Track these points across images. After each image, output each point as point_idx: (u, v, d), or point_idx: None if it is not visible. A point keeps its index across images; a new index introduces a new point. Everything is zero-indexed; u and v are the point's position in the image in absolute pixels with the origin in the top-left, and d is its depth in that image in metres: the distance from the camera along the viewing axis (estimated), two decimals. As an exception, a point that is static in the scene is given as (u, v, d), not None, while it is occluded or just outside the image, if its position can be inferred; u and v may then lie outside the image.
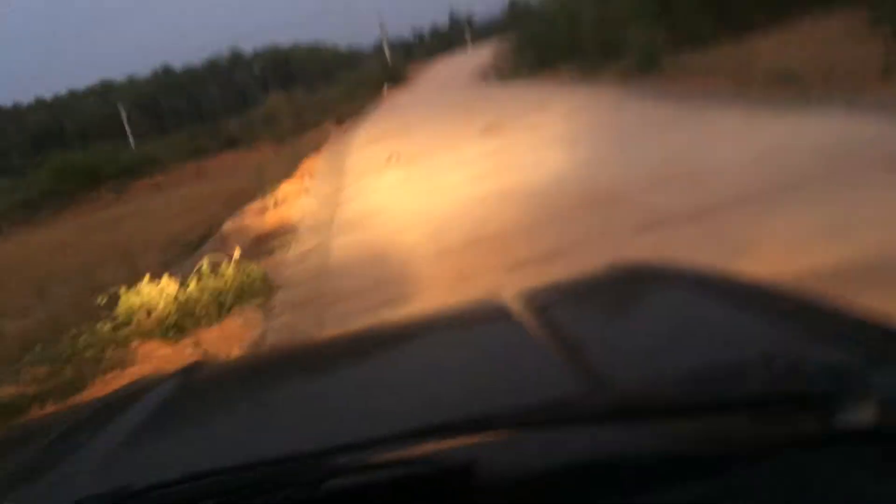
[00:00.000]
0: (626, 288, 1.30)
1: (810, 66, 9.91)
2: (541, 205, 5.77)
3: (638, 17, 21.65)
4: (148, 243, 15.50)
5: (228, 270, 5.24)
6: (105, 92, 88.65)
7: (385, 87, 38.17)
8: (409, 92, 30.73)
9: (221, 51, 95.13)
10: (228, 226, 10.45)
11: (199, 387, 1.21)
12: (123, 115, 54.85)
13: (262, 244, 8.18)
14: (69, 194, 39.96)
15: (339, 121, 32.43)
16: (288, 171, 16.43)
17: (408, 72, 43.61)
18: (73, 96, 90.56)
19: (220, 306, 4.88)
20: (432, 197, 7.40)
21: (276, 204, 10.84)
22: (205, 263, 5.30)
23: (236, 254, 5.50)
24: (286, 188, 12.36)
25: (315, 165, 14.82)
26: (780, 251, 3.49)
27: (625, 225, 4.62)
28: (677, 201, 4.83)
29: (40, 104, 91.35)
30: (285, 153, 29.70)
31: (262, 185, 15.41)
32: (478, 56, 38.64)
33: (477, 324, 1.31)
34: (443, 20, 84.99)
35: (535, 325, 1.08)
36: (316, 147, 20.91)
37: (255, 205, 12.04)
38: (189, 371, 1.28)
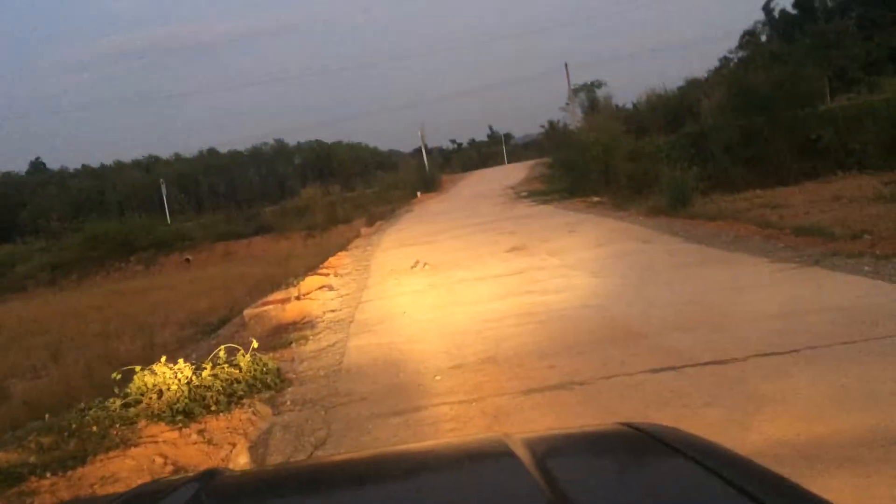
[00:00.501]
0: (627, 449, 1.34)
1: (836, 223, 10.11)
2: (560, 331, 5.80)
3: (673, 157, 22.34)
4: (168, 318, 15.65)
5: (244, 360, 5.28)
6: (150, 165, 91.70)
7: (418, 194, 39.06)
8: (442, 200, 31.41)
9: (267, 140, 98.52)
10: (249, 312, 10.54)
11: (214, 497, 1.23)
12: (164, 189, 56.39)
13: (280, 335, 8.23)
14: (99, 261, 40.76)
15: (371, 220, 33.10)
16: (315, 263, 16.71)
17: (442, 181, 44.69)
18: (119, 166, 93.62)
19: (231, 396, 4.88)
20: (453, 309, 7.46)
21: (298, 296, 10.97)
22: (221, 350, 5.35)
23: (254, 344, 5.55)
24: (311, 281, 12.51)
25: (342, 261, 15.04)
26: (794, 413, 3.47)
27: (641, 364, 4.62)
28: (696, 345, 4.84)
29: (86, 171, 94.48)
30: (314, 245, 30.29)
31: (287, 274, 15.66)
32: (512, 172, 39.64)
33: (480, 460, 1.35)
34: (482, 134, 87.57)
35: (537, 471, 1.12)
36: (345, 243, 21.27)
37: (279, 294, 12.18)
38: (204, 478, 1.31)
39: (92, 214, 58.63)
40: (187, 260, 40.95)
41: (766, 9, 65.52)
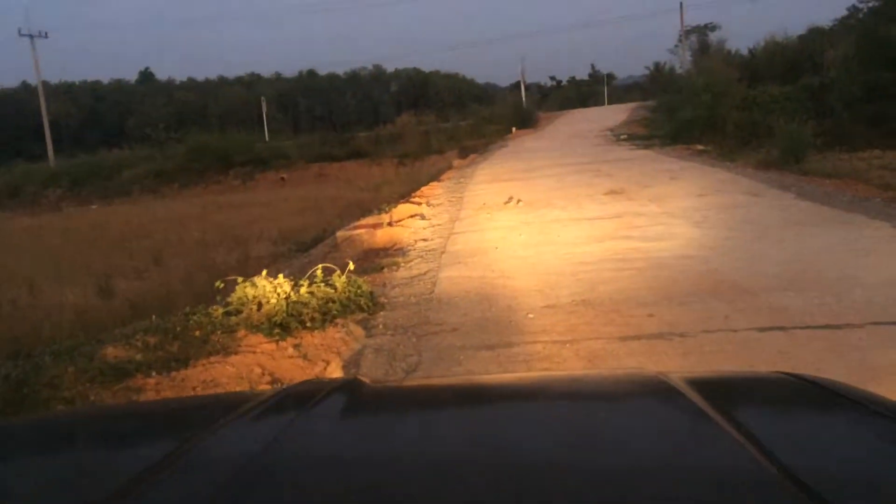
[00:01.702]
0: (808, 399, 1.23)
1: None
2: (660, 279, 5.60)
3: (789, 109, 21.07)
4: (263, 233, 16.12)
5: (339, 281, 5.35)
6: (252, 83, 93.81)
7: (514, 129, 38.49)
8: (538, 138, 30.83)
9: (365, 65, 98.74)
10: (341, 234, 10.71)
11: (362, 406, 1.24)
12: (264, 107, 57.53)
13: (372, 259, 8.34)
14: (200, 173, 42.32)
15: (464, 153, 32.94)
16: (406, 191, 16.82)
17: (538, 118, 43.82)
18: (222, 81, 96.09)
19: (326, 314, 4.97)
20: (547, 248, 7.34)
21: (390, 222, 11.05)
22: (319, 269, 5.43)
23: (350, 266, 5.61)
24: (402, 209, 12.58)
25: (434, 191, 15.04)
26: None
27: (747, 321, 4.42)
28: (808, 307, 4.58)
29: (191, 83, 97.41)
30: (406, 173, 30.49)
31: (379, 200, 15.82)
32: (612, 114, 38.44)
33: (645, 396, 1.23)
34: (583, 72, 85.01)
35: (710, 409, 1.02)
36: (437, 174, 21.27)
37: (371, 218, 12.32)
38: (349, 387, 1.34)
39: (194, 127, 60.64)
40: (282, 178, 41.99)
41: (908, -47, 60.03)
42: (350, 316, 5.14)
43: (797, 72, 34.24)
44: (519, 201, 11.08)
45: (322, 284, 5.24)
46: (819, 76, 27.98)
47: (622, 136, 24.84)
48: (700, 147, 18.00)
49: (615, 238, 7.48)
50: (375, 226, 11.02)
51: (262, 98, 61.40)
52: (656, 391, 1.21)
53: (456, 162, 26.04)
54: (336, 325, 4.94)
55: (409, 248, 8.59)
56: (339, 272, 5.43)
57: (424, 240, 8.98)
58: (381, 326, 5.05)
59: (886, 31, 23.17)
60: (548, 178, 14.09)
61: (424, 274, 6.75)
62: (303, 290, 5.02)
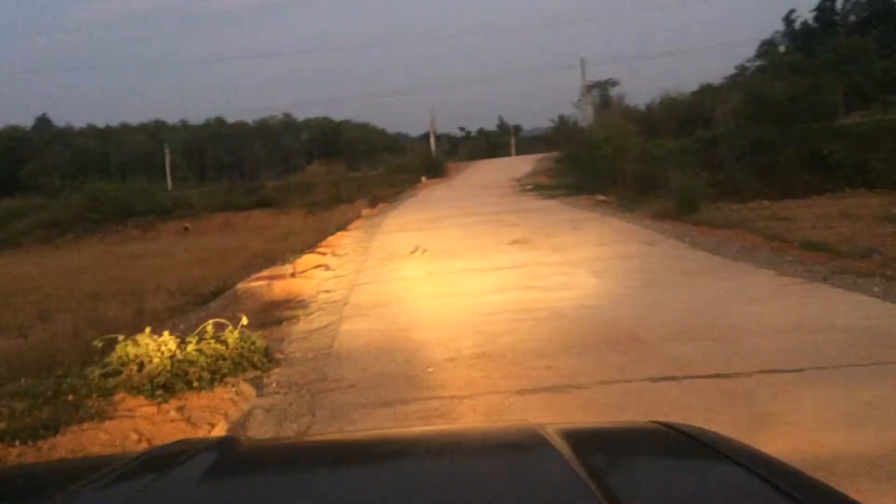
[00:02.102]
0: (667, 447, 1.29)
1: (844, 240, 9.94)
2: (559, 330, 5.63)
3: (684, 161, 22.14)
4: (161, 285, 15.46)
5: (231, 337, 5.11)
6: (156, 130, 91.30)
7: (423, 179, 38.83)
8: (447, 188, 31.19)
9: (275, 113, 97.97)
10: (242, 286, 10.37)
11: (233, 466, 1.22)
12: (167, 155, 56.03)
13: (272, 312, 8.07)
14: (97, 222, 40.59)
15: (374, 202, 32.92)
16: (313, 241, 16.59)
17: (448, 168, 44.41)
18: (125, 129, 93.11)
19: (215, 373, 4.71)
20: (450, 299, 7.29)
21: (294, 273, 10.80)
22: (209, 325, 5.17)
23: (243, 321, 5.37)
24: (307, 259, 12.35)
25: (340, 241, 14.87)
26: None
27: (641, 371, 4.45)
28: (699, 356, 4.67)
29: (91, 130, 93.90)
30: (315, 223, 30.13)
31: (285, 250, 15.49)
32: (519, 165, 39.40)
33: (515, 448, 1.28)
34: (491, 124, 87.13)
35: (578, 465, 1.05)
36: (345, 223, 21.10)
37: (274, 270, 12.02)
38: (223, 445, 1.31)
39: (93, 175, 58.39)
40: (186, 228, 40.81)
41: (787, 20, 65.13)
42: (242, 374, 4.90)
43: (691, 126, 36.24)
44: (425, 251, 11.06)
45: (212, 341, 4.98)
46: (711, 130, 29.68)
47: (528, 187, 25.43)
48: (602, 197, 18.59)
49: (518, 288, 7.52)
50: (278, 277, 10.74)
51: (165, 146, 59.75)
52: (529, 445, 1.25)
53: (365, 211, 25.95)
54: (226, 384, 4.69)
55: (312, 300, 8.38)
56: (231, 327, 5.18)
57: (327, 291, 8.79)
58: (274, 385, 4.82)
59: (772, 88, 24.90)
60: (455, 228, 14.18)
61: (325, 327, 6.57)
62: (190, 347, 4.75)
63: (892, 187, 19.31)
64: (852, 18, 64.53)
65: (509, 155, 60.83)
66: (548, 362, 4.78)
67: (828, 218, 14.50)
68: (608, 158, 20.96)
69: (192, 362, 4.69)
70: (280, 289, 9.80)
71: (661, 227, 11.63)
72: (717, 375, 4.25)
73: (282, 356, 5.53)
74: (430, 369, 4.87)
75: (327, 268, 10.85)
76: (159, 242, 34.30)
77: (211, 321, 5.23)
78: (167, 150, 58.63)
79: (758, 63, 64.01)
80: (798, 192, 20.67)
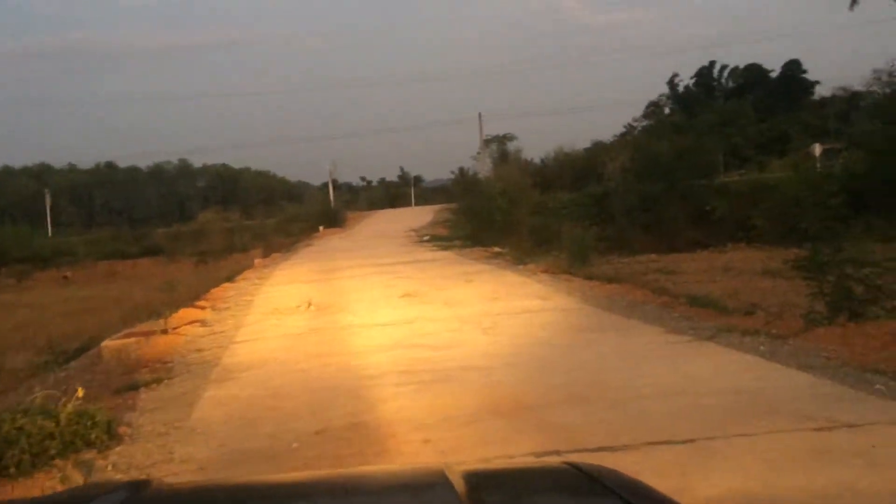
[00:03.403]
0: (568, 489, 1.33)
1: (728, 294, 10.13)
2: (443, 395, 5.23)
3: (575, 215, 22.58)
4: (27, 341, 14.27)
5: (65, 411, 4.42)
6: (41, 174, 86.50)
7: (321, 228, 38.17)
8: (344, 237, 30.67)
9: (170, 159, 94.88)
10: (108, 343, 9.48)
11: None
12: (48, 200, 52.92)
13: (132, 374, 7.33)
14: (-34, 271, 37.59)
15: (268, 251, 31.99)
16: (197, 293, 15.72)
17: (347, 217, 43.91)
18: (7, 172, 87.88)
19: (39, 455, 4.03)
20: (332, 359, 6.79)
21: (165, 329, 9.99)
22: (39, 398, 4.47)
23: (78, 393, 4.68)
24: (184, 314, 11.54)
25: (225, 293, 14.06)
26: None
27: (525, 443, 4.11)
28: (586, 424, 4.38)
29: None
30: (204, 272, 28.92)
31: (168, 302, 14.58)
32: (418, 215, 39.40)
33: (415, 490, 1.35)
34: (393, 174, 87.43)
35: (469, 502, 1.14)
36: (234, 274, 20.21)
37: (146, 325, 11.18)
38: (135, 488, 1.32)
39: None
40: (65, 277, 38.45)
41: (671, 83, 69.22)
42: (74, 455, 4.23)
43: (583, 181, 37.34)
44: (311, 305, 10.50)
45: (39, 417, 4.29)
46: (602, 185, 30.58)
47: (425, 238, 25.25)
48: (497, 249, 18.56)
49: (405, 346, 7.11)
50: (149, 334, 9.91)
51: (46, 190, 56.46)
52: (429, 486, 1.34)
53: (257, 261, 25.03)
54: (52, 468, 4.01)
55: (181, 360, 7.66)
56: (64, 399, 4.51)
57: (199, 350, 8.08)
58: (110, 468, 4.17)
59: (658, 146, 25.95)
60: (347, 280, 13.68)
61: (186, 394, 5.92)
62: (6, 427, 4.05)
63: (771, 243, 20.26)
64: (730, 84, 69.30)
65: (410, 205, 60.99)
66: (427, 434, 4.36)
67: (712, 272, 14.94)
68: (504, 210, 21.07)
69: (12, 443, 3.99)
70: (149, 347, 9.00)
71: (553, 280, 11.54)
72: (604, 448, 3.94)
73: (128, 431, 4.86)
74: (294, 445, 4.35)
75: (204, 323, 10.09)
76: (35, 292, 32.04)
77: (41, 393, 4.54)
78: (48, 194, 55.31)
79: (645, 123, 67.58)
80: (684, 247, 21.39)
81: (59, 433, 4.25)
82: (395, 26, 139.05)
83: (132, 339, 9.55)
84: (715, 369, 5.51)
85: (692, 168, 24.36)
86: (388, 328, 8.27)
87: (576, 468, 1.37)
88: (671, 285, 11.56)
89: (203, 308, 11.91)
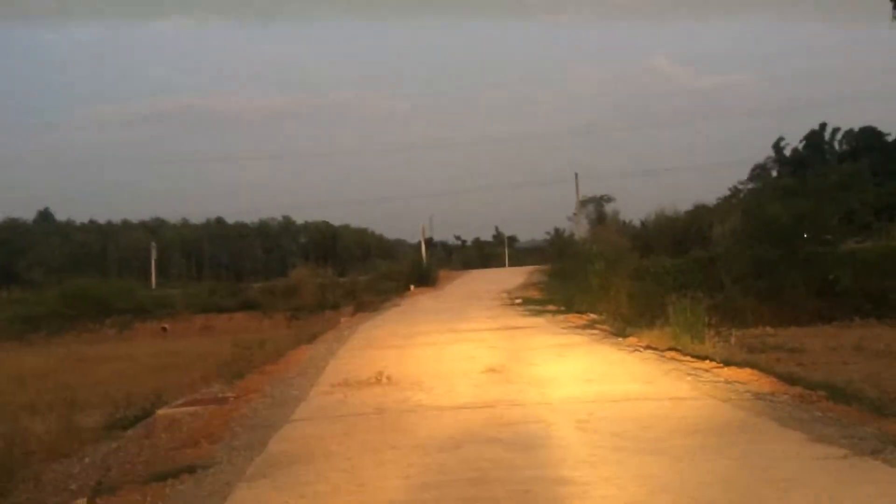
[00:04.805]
0: None
1: (869, 383, 8.49)
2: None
3: (680, 282, 20.89)
4: (106, 397, 14.04)
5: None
6: (156, 228, 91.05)
7: (412, 287, 37.58)
8: (433, 297, 29.85)
9: (274, 215, 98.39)
10: (163, 412, 8.77)
11: None
12: (153, 252, 55.01)
13: (177, 452, 6.51)
14: (74, 319, 39.05)
15: (358, 308, 31.59)
16: (279, 352, 15.18)
17: (439, 276, 43.23)
18: (126, 225, 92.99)
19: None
20: (387, 456, 5.68)
21: (227, 398, 9.21)
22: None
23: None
24: (255, 379, 10.83)
25: (301, 356, 13.29)
26: None
27: None
28: None
29: (92, 226, 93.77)
30: (294, 328, 28.74)
31: (246, 360, 14.10)
32: (511, 276, 38.29)
33: None
34: (487, 233, 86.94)
35: None
36: (318, 333, 19.67)
37: (216, 389, 10.57)
38: None
39: (91, 271, 57.26)
40: (164, 329, 39.35)
41: (776, 146, 66.20)
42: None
43: (685, 244, 35.32)
44: (385, 377, 9.47)
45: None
46: (707, 250, 28.59)
47: (517, 301, 24.05)
48: (593, 316, 17.16)
49: (479, 441, 5.93)
50: (209, 402, 9.17)
51: (152, 243, 58.82)
52: None
53: (343, 320, 24.50)
54: None
55: (229, 439, 6.76)
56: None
57: (252, 428, 7.17)
58: None
59: (772, 209, 23.92)
60: (428, 347, 12.65)
61: (213, 494, 4.94)
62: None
63: (903, 318, 18.01)
64: (843, 147, 65.57)
65: (503, 265, 59.94)
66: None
67: (841, 351, 13.11)
68: (601, 274, 19.64)
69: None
70: (204, 419, 8.21)
71: (658, 359, 10.11)
72: None
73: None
74: None
75: (266, 394, 9.24)
76: (134, 343, 32.85)
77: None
78: (153, 247, 57.53)
79: (751, 185, 64.51)
80: (803, 320, 19.30)
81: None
82: (494, 85, 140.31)
83: (189, 409, 8.82)
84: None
85: (812, 232, 22.26)
86: (464, 413, 7.12)
87: None
88: (798, 368, 9.94)
89: (272, 374, 11.15)
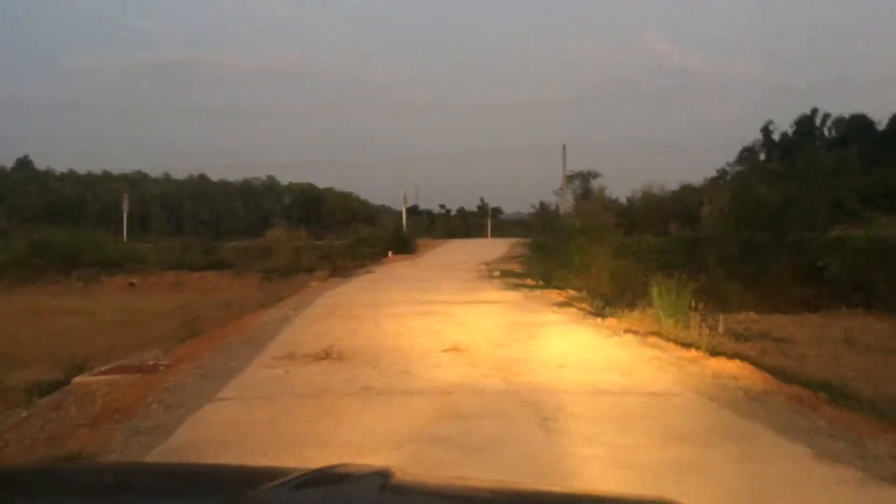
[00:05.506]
0: None
1: (866, 381, 7.74)
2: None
3: (662, 261, 20.05)
4: (51, 354, 13.12)
5: None
6: (137, 181, 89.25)
7: (390, 253, 36.63)
8: (409, 266, 28.85)
9: (258, 175, 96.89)
10: (81, 380, 7.80)
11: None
12: (125, 205, 53.46)
13: (79, 430, 5.59)
14: (40, 270, 37.77)
15: (332, 273, 30.71)
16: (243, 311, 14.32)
17: (418, 244, 42.23)
18: (106, 176, 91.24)
19: None
20: (313, 453, 4.75)
21: (157, 366, 8.23)
22: None
23: None
24: (197, 345, 9.87)
25: (253, 322, 12.31)
26: None
27: None
28: None
29: (72, 176, 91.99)
30: (265, 290, 27.84)
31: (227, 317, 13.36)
32: (492, 247, 37.37)
33: None
34: (472, 204, 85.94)
35: None
36: (284, 296, 18.76)
37: (151, 355, 9.63)
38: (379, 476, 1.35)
39: (66, 221, 55.78)
40: (131, 284, 38.14)
41: (765, 130, 65.45)
42: None
43: (670, 224, 34.47)
44: (336, 352, 8.52)
45: None
46: (694, 230, 27.77)
47: (495, 273, 23.12)
48: (572, 292, 16.28)
49: (426, 440, 4.99)
50: (135, 370, 8.18)
51: (125, 196, 57.16)
52: None
53: (313, 284, 23.55)
54: None
55: (138, 420, 5.80)
56: None
57: (168, 407, 6.19)
58: None
59: (762, 193, 23.08)
60: (392, 319, 11.69)
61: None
62: None
63: (893, 309, 17.27)
64: (832, 134, 64.93)
65: (485, 236, 59.01)
66: None
67: (829, 343, 12.30)
68: (583, 250, 18.73)
69: None
70: (123, 390, 7.23)
71: (639, 344, 9.21)
72: None
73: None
74: None
75: (201, 365, 8.25)
76: (97, 298, 31.63)
77: None
78: (125, 199, 55.90)
79: (738, 168, 63.87)
80: (788, 306, 18.54)
81: None
82: (487, 57, 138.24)
83: (110, 377, 7.83)
84: None
85: (803, 218, 21.43)
86: (415, 400, 6.18)
87: None
88: (789, 362, 9.12)
89: (217, 339, 10.16)
